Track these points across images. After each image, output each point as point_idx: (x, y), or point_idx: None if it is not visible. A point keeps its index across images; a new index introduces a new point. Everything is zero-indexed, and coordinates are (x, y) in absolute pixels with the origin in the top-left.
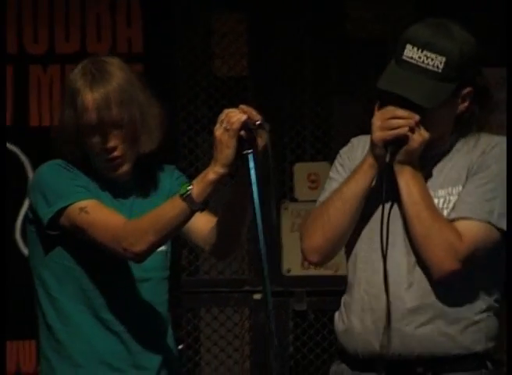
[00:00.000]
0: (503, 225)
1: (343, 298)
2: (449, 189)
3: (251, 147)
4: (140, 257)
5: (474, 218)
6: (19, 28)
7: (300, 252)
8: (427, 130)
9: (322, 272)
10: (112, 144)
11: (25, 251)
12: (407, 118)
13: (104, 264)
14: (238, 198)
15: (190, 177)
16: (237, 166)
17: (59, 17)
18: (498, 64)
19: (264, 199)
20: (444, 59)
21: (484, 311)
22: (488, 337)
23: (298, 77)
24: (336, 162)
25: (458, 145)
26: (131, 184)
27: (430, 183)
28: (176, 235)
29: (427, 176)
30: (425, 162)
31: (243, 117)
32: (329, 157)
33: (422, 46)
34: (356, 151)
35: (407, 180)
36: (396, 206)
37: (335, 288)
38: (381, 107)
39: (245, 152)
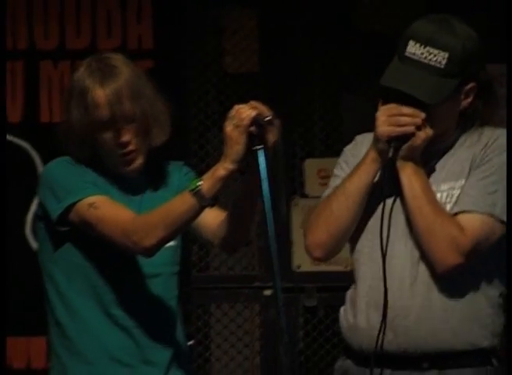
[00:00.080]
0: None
1: (348, 294)
2: (452, 183)
3: (261, 143)
4: (150, 251)
5: (477, 211)
6: (30, 24)
7: (304, 248)
8: (430, 125)
9: (333, 268)
10: (125, 138)
11: (35, 246)
12: (413, 116)
13: (114, 260)
14: (248, 193)
15: (201, 173)
16: (247, 162)
17: (70, 13)
18: (498, 60)
19: (274, 195)
20: (447, 55)
21: (489, 306)
22: (494, 332)
23: (308, 73)
24: (341, 159)
25: (461, 140)
26: (140, 181)
27: (433, 177)
28: (185, 230)
29: (430, 171)
30: (428, 158)
31: (253, 113)
32: (340, 153)
33: (425, 42)
34: (360, 149)
35: (409, 176)
36: (398, 201)
37: (345, 284)
38: (384, 103)
39: (255, 148)
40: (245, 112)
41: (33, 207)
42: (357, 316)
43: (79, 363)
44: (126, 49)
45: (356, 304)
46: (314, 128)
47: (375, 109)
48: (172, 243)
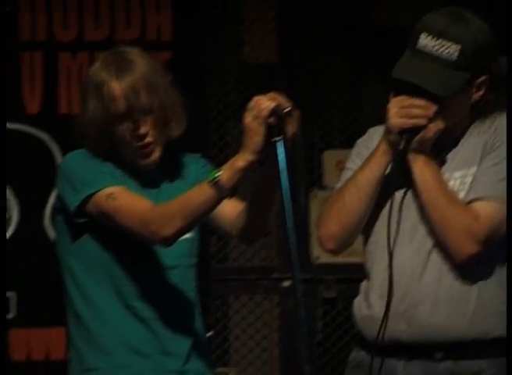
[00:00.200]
0: None
1: (362, 285)
2: (465, 170)
3: (280, 134)
4: (168, 241)
5: (489, 198)
6: (49, 15)
7: (317, 240)
8: (441, 118)
9: (352, 259)
10: (142, 130)
11: (53, 237)
12: (424, 108)
13: (132, 251)
14: (266, 184)
15: (220, 164)
16: (266, 153)
17: (89, 4)
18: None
19: (293, 186)
20: (459, 47)
21: (503, 293)
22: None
23: (328, 64)
24: (353, 152)
25: (471, 128)
26: (157, 173)
27: (446, 167)
28: (203, 221)
29: (441, 162)
30: (439, 149)
31: (272, 104)
32: None
33: (437, 34)
34: (372, 141)
35: (421, 168)
36: (409, 193)
37: (364, 276)
38: (396, 95)
39: (274, 140)
40: (264, 103)
41: (52, 199)
42: (371, 308)
43: (97, 354)
44: (145, 40)
45: (370, 295)
46: (333, 119)
47: None
48: (189, 235)
